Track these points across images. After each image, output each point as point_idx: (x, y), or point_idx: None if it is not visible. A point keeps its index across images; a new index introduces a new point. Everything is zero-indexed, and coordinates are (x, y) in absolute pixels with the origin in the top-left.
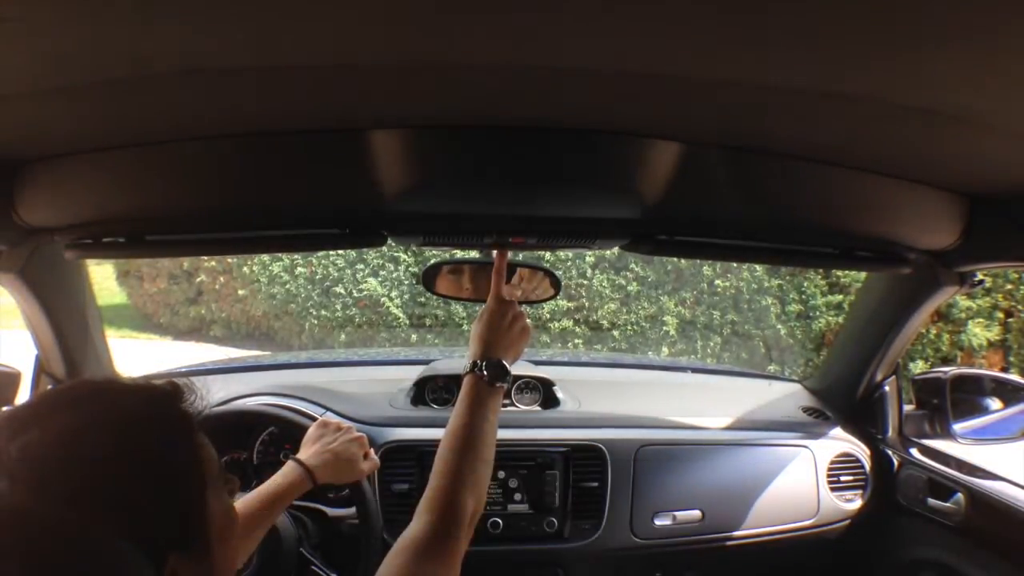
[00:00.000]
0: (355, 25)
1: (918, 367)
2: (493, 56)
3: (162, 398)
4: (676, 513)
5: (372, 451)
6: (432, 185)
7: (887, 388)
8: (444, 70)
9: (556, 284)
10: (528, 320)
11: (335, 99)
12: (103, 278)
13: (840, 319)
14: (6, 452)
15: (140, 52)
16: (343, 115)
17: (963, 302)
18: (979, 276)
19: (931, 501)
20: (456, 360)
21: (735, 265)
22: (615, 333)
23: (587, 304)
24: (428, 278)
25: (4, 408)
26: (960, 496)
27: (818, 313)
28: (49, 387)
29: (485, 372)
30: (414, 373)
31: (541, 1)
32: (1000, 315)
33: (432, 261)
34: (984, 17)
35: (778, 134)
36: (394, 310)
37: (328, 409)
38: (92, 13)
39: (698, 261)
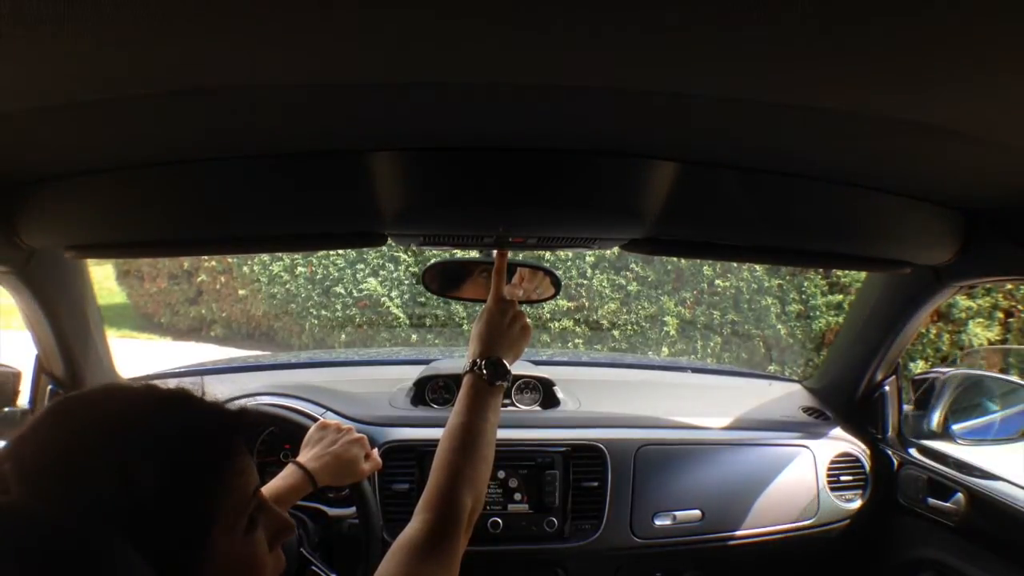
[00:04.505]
0: (354, 47)
1: (918, 367)
2: (492, 75)
3: (194, 427)
4: (676, 513)
5: (375, 452)
6: (431, 208)
7: (887, 388)
8: (444, 91)
9: (556, 284)
10: (528, 320)
11: (334, 121)
12: (103, 278)
13: (840, 319)
14: (25, 448)
15: (141, 72)
16: (343, 137)
17: (963, 302)
18: None
19: (931, 501)
20: (456, 360)
21: (735, 265)
22: (615, 333)
23: (587, 304)
24: (428, 278)
25: (5, 409)
26: (960, 496)
27: (818, 313)
28: (50, 387)
29: (485, 371)
30: (414, 373)
31: (539, 20)
32: (1000, 315)
33: (432, 261)
34: (983, 33)
35: (776, 152)
36: (394, 310)
37: (328, 409)
38: (92, 32)
39: (698, 261)
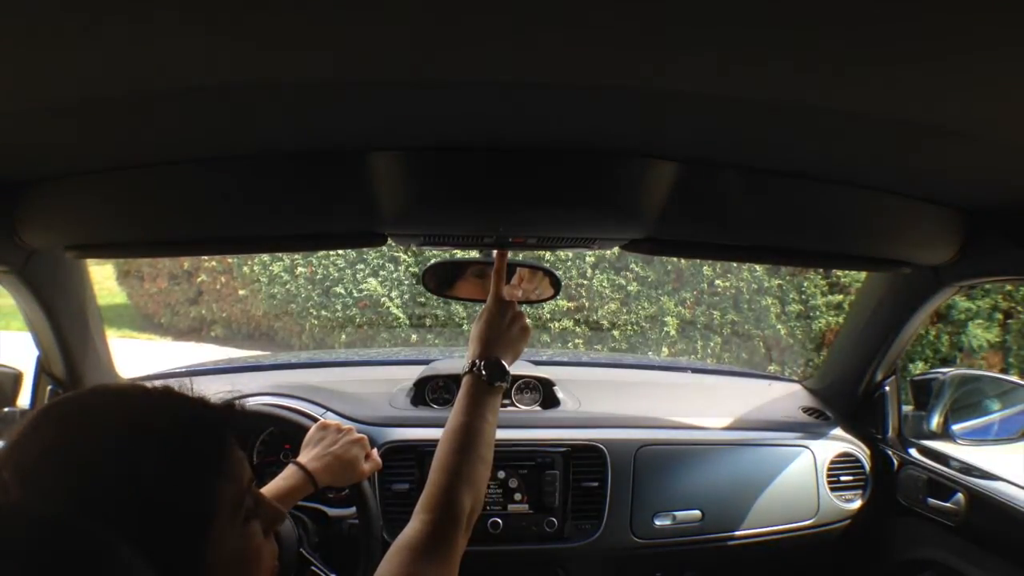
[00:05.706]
0: (354, 46)
1: (918, 368)
2: (492, 75)
3: (186, 421)
4: (676, 513)
5: (375, 452)
6: (431, 208)
7: (887, 388)
8: (444, 90)
9: (556, 284)
10: (528, 320)
11: (335, 120)
12: (103, 278)
13: (840, 319)
14: (20, 452)
15: (141, 72)
16: (343, 136)
17: (963, 303)
18: None
19: (931, 501)
20: (456, 360)
21: (735, 265)
22: (615, 333)
23: (587, 304)
24: (427, 278)
25: (5, 409)
26: (960, 496)
27: (818, 313)
28: (50, 387)
29: (484, 372)
30: (414, 373)
31: (538, 20)
32: (999, 316)
33: (432, 261)
34: (983, 33)
35: (776, 152)
36: (394, 310)
37: (328, 409)
38: (91, 32)
39: (698, 261)
